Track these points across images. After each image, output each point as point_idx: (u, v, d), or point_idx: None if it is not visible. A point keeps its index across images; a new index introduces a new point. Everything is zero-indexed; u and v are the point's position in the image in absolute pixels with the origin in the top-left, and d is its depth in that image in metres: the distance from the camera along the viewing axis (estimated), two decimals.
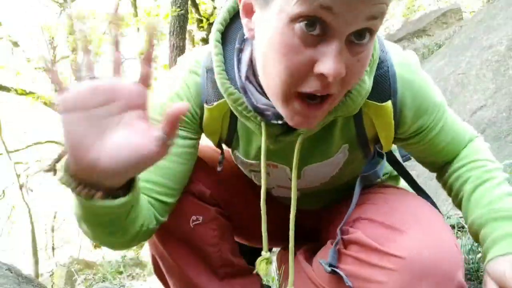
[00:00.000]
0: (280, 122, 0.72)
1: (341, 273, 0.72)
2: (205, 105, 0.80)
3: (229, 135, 0.85)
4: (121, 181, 0.56)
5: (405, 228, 0.69)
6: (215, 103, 0.79)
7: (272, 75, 0.63)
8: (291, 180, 0.80)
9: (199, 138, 0.86)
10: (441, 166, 0.91)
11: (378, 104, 0.75)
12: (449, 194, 0.90)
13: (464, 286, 0.67)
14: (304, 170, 0.85)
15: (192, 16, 7.90)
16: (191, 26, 8.06)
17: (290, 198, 0.79)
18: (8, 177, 9.62)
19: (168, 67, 5.12)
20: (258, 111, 0.73)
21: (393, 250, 0.67)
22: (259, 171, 0.80)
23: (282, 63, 0.60)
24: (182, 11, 4.55)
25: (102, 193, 0.55)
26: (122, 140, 0.51)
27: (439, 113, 0.82)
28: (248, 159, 0.86)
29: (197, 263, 0.90)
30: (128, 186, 0.59)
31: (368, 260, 0.70)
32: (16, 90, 9.93)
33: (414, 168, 2.70)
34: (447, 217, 2.08)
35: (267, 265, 0.76)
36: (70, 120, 0.49)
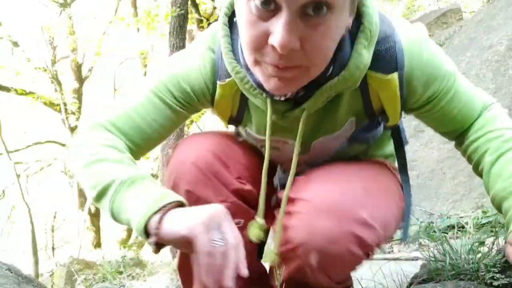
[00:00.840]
0: (282, 98, 0.78)
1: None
2: (218, 82, 0.86)
3: (240, 111, 0.90)
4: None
5: (328, 180, 0.79)
6: (227, 80, 0.84)
7: (244, 46, 0.71)
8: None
9: (190, 115, 0.93)
10: (458, 135, 0.92)
11: (383, 77, 0.78)
12: (469, 163, 0.92)
13: (372, 225, 0.74)
14: (314, 144, 0.90)
15: (192, 16, 7.90)
16: (191, 26, 8.06)
17: None
18: (8, 177, 9.62)
19: None
20: (261, 87, 0.77)
21: (302, 196, 0.77)
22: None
23: (245, 35, 0.68)
24: (182, 11, 4.55)
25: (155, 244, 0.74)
26: None
27: (450, 81, 0.83)
28: (259, 135, 0.91)
29: None
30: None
31: (287, 210, 0.79)
32: (16, 90, 9.92)
33: (414, 168, 2.70)
34: (447, 217, 2.07)
35: (259, 231, 0.82)
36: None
